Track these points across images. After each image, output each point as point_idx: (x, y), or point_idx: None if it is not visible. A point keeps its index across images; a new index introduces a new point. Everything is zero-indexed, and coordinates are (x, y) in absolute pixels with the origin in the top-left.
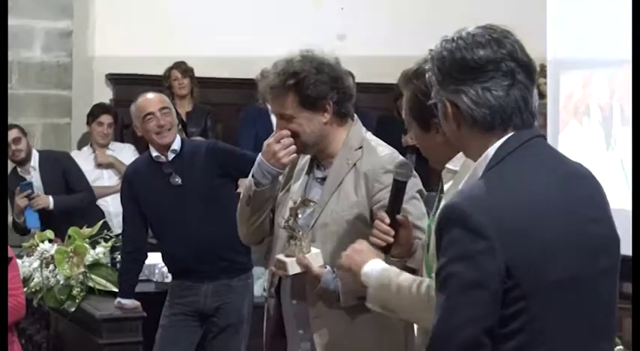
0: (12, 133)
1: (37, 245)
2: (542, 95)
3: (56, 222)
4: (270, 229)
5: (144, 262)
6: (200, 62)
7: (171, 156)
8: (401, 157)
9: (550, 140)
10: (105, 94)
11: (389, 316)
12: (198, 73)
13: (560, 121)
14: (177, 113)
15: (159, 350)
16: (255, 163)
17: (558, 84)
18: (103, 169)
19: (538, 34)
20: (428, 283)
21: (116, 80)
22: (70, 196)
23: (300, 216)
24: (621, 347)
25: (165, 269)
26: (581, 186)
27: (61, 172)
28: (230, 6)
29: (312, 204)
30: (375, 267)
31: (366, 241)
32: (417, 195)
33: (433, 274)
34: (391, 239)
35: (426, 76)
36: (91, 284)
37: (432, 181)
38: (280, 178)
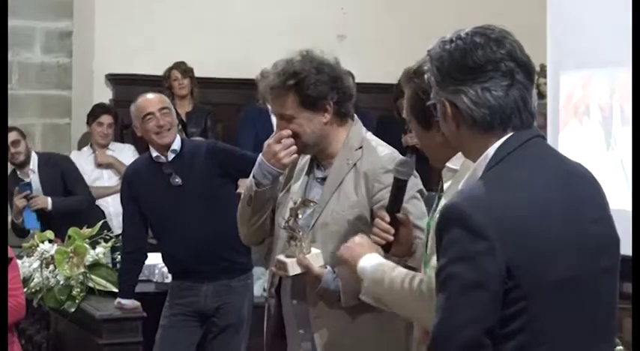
0: (11, 136)
1: (37, 246)
2: (542, 95)
3: (56, 222)
4: (270, 230)
5: (144, 263)
6: (200, 62)
7: (171, 156)
8: (401, 157)
9: (550, 140)
10: (105, 95)
11: (389, 316)
12: (198, 73)
13: (560, 121)
14: (177, 113)
15: (159, 350)
16: (256, 163)
17: (558, 84)
18: (103, 169)
19: (538, 34)
20: (420, 278)
21: (116, 80)
22: (68, 198)
23: (300, 216)
24: (621, 347)
25: (165, 269)
26: (581, 186)
27: (60, 175)
28: (230, 6)
29: (312, 204)
30: (371, 261)
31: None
32: (418, 195)
33: (427, 270)
34: (391, 238)
35: (425, 76)
36: (91, 284)
37: (432, 181)
38: (280, 178)
